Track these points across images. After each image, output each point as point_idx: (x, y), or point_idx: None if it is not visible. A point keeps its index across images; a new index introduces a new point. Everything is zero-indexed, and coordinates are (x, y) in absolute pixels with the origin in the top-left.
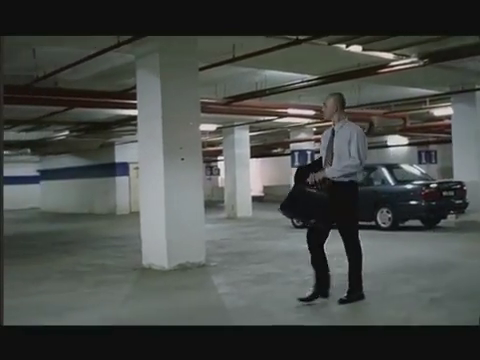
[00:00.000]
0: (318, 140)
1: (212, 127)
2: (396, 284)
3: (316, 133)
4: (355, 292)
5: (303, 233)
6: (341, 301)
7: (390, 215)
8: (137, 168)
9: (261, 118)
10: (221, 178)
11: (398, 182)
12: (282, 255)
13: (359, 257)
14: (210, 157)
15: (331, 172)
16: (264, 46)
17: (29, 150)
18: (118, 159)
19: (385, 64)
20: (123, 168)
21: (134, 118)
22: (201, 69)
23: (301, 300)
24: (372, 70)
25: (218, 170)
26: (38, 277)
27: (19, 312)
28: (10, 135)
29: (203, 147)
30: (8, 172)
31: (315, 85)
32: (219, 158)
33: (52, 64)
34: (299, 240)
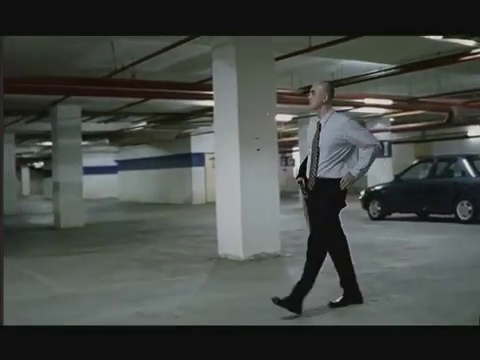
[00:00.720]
0: (396, 130)
1: (287, 117)
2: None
3: (393, 123)
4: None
5: (380, 225)
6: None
7: (471, 208)
8: (213, 158)
9: (337, 108)
10: (296, 169)
11: (479, 174)
12: (357, 247)
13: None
14: (285, 148)
15: (360, 171)
16: (340, 36)
17: (107, 141)
18: (194, 149)
19: (466, 51)
20: (199, 158)
21: (210, 109)
22: (277, 59)
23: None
24: (453, 58)
25: (293, 161)
26: (117, 265)
27: (98, 299)
28: (89, 126)
29: (278, 138)
30: (88, 162)
31: (393, 74)
32: (294, 149)
33: (130, 56)
34: (375, 232)
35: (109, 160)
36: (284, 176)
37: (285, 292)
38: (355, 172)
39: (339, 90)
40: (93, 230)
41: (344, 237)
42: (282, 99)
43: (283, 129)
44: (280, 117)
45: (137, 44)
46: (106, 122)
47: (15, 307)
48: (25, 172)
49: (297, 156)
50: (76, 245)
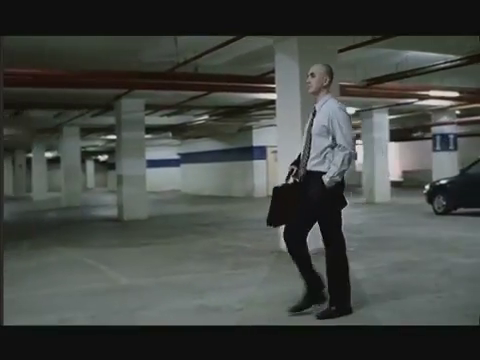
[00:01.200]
0: (462, 123)
1: (351, 110)
2: None
3: (459, 116)
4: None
5: (445, 220)
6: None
7: None
8: (275, 152)
9: (401, 101)
10: (358, 162)
11: None
12: (422, 242)
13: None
14: None
15: (330, 179)
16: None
17: (170, 134)
18: (256, 143)
19: None
20: (261, 152)
21: (272, 102)
22: (340, 51)
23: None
24: None
25: (355, 154)
26: (179, 257)
27: (161, 291)
28: (152, 120)
29: None
30: (151, 156)
31: (459, 66)
32: (356, 142)
33: (192, 50)
34: (440, 227)
35: (172, 153)
36: None
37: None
38: (325, 180)
39: (404, 82)
40: (156, 222)
41: (344, 242)
42: (345, 92)
43: None
44: None
45: (200, 38)
46: (169, 115)
47: (80, 296)
48: (90, 165)
49: (359, 150)
50: (139, 237)
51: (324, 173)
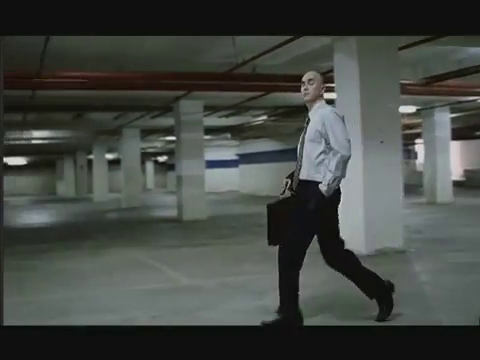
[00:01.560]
0: None
1: (411, 109)
2: None
3: None
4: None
5: None
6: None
7: None
8: None
9: (464, 98)
10: (418, 162)
11: None
12: None
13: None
14: (407, 141)
15: (327, 187)
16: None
17: (229, 135)
18: None
19: None
20: None
21: (331, 101)
22: (400, 49)
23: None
24: None
25: (415, 154)
26: (238, 258)
27: (222, 291)
28: (211, 120)
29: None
30: (210, 156)
31: None
32: (417, 141)
33: (250, 50)
34: None
35: (230, 154)
36: (406, 169)
37: (410, 289)
38: (323, 189)
39: (467, 79)
40: (215, 223)
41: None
42: (405, 90)
43: (406, 121)
44: (403, 109)
45: (257, 38)
46: (227, 116)
47: (142, 296)
48: (149, 166)
49: (419, 149)
50: (198, 237)
51: (319, 182)
